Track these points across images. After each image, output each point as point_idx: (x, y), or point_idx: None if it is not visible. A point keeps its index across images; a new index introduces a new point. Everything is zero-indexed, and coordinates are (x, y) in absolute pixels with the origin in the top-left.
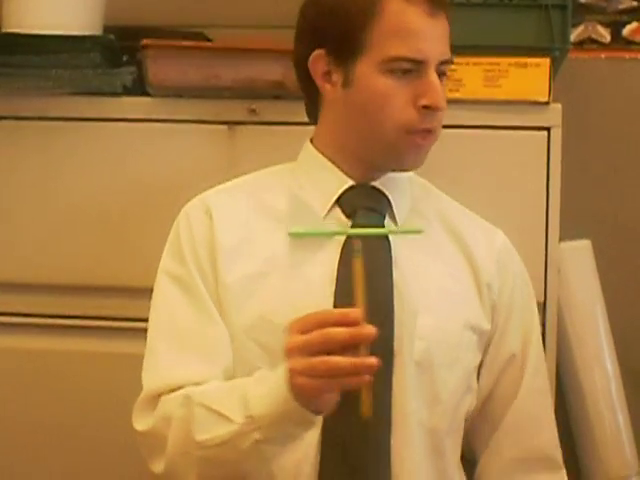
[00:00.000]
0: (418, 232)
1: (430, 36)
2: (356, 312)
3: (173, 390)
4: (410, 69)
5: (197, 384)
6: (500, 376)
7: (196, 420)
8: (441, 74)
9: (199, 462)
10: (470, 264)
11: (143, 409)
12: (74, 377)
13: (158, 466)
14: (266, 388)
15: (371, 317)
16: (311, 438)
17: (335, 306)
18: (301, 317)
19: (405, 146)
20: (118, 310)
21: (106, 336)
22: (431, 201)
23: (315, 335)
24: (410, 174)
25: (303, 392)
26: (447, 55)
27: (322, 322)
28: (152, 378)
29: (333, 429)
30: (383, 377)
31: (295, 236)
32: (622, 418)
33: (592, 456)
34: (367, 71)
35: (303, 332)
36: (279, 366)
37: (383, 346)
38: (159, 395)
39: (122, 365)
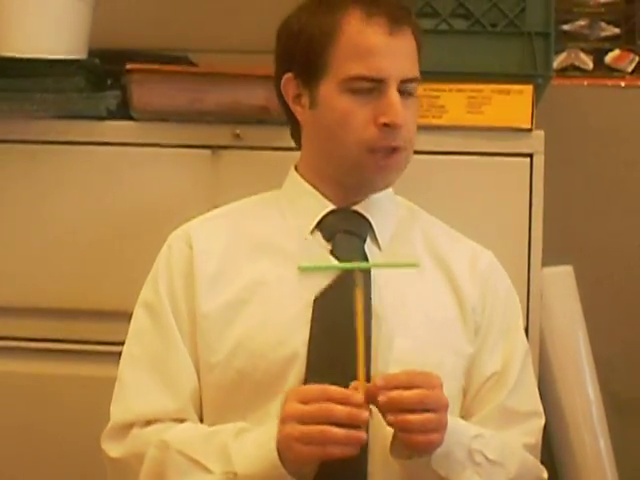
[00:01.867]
0: (415, 266)
1: (390, 55)
2: (358, 397)
3: (142, 423)
4: (371, 88)
5: (162, 418)
6: (478, 393)
7: (172, 465)
8: (406, 93)
9: None
10: (454, 289)
11: (112, 438)
12: (64, 401)
13: None
14: (253, 448)
15: (347, 340)
16: None
17: (310, 337)
18: (302, 387)
19: (369, 165)
20: (99, 334)
21: (90, 360)
22: (417, 225)
23: (316, 407)
24: (397, 197)
25: (295, 458)
26: (411, 73)
27: (324, 396)
28: (118, 408)
29: None
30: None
31: (304, 271)
32: (603, 443)
33: None
34: (329, 91)
35: (302, 402)
36: (263, 427)
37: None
38: (128, 426)
39: (110, 389)
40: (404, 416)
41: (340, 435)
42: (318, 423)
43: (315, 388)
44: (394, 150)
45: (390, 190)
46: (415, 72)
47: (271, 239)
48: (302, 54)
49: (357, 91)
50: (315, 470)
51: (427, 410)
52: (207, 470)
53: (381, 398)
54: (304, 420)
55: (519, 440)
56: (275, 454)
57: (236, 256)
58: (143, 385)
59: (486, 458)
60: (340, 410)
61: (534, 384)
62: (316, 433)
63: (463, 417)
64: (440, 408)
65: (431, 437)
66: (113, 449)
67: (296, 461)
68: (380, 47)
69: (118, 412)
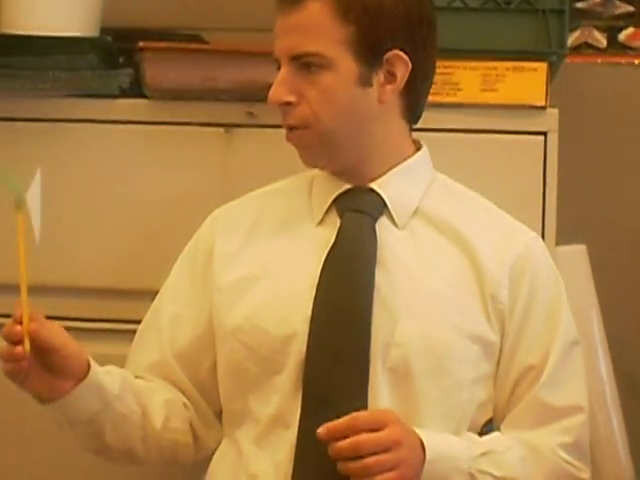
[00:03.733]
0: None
1: (281, 33)
2: (18, 312)
3: None
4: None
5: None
6: (515, 388)
7: None
8: (307, 67)
9: None
10: (476, 273)
11: None
12: None
13: None
14: None
15: (347, 320)
16: (289, 440)
17: (312, 310)
18: None
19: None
20: (120, 313)
21: (103, 338)
22: (447, 205)
23: None
24: (436, 174)
25: None
26: (298, 49)
27: None
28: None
29: (309, 432)
30: (358, 383)
31: None
32: (616, 422)
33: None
34: None
35: None
36: None
37: (358, 351)
38: None
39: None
40: (346, 464)
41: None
42: None
43: None
44: (292, 128)
45: (419, 165)
46: (306, 46)
47: (292, 219)
48: None
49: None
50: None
51: (376, 452)
52: None
53: (329, 450)
54: None
55: (554, 441)
56: None
57: (259, 235)
58: (134, 345)
59: (493, 477)
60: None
61: (578, 377)
62: None
63: (499, 411)
64: (391, 446)
65: (389, 476)
66: None
67: None
68: (277, 28)
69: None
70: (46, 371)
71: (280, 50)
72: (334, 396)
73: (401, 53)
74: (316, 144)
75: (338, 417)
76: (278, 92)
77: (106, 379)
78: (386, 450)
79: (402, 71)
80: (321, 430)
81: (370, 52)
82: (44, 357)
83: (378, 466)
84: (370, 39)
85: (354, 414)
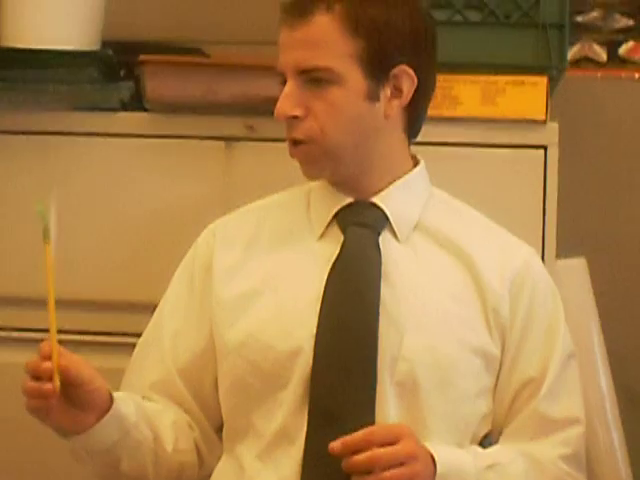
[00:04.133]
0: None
1: (287, 48)
2: (47, 346)
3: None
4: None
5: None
6: (514, 401)
7: None
8: (315, 81)
9: None
10: (477, 287)
11: None
12: None
13: None
14: None
15: (353, 334)
16: (297, 455)
17: (318, 325)
18: None
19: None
20: (121, 326)
21: (102, 351)
22: (446, 220)
23: None
24: (434, 189)
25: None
26: (306, 63)
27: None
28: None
29: (316, 447)
30: (365, 398)
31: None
32: (616, 435)
33: (587, 474)
34: None
35: None
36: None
37: (365, 366)
38: None
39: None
40: (362, 479)
41: (25, 387)
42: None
43: None
44: (298, 143)
45: (419, 179)
46: (315, 61)
47: (292, 232)
48: None
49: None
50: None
51: (391, 466)
52: None
53: (342, 465)
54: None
55: (554, 453)
56: None
57: (258, 249)
58: (135, 360)
59: None
60: (28, 363)
61: (575, 389)
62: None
63: (498, 424)
64: (407, 459)
65: None
66: None
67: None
68: (282, 42)
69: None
70: (70, 405)
71: (286, 64)
72: (341, 411)
73: (408, 68)
74: (321, 158)
75: (345, 432)
76: (285, 106)
77: (123, 408)
78: (401, 464)
79: (408, 86)
80: (336, 445)
81: (378, 67)
82: (69, 391)
83: (394, 479)
84: (379, 54)
85: (370, 428)
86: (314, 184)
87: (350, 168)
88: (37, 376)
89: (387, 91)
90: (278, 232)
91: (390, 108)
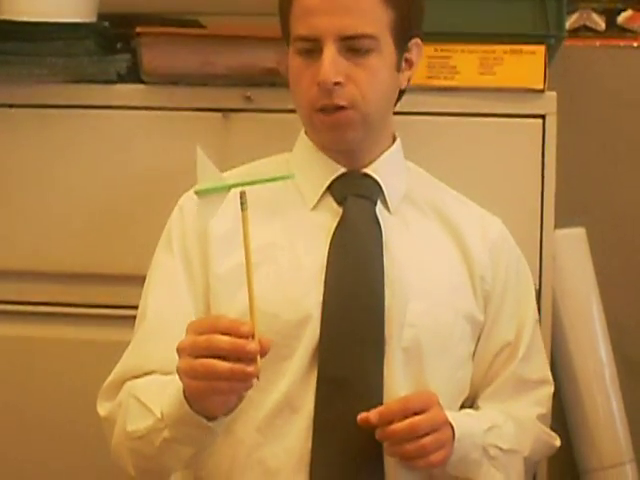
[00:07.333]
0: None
1: (324, 12)
2: (247, 327)
3: (134, 376)
4: (312, 49)
5: (155, 370)
6: (492, 364)
7: (129, 410)
8: (355, 50)
9: (129, 453)
10: (464, 255)
11: (104, 395)
12: (75, 365)
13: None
14: (175, 388)
15: (361, 302)
16: (302, 424)
17: (325, 294)
18: (199, 319)
19: (319, 124)
20: (111, 298)
21: (102, 324)
22: (427, 190)
23: (201, 339)
24: (408, 163)
25: (190, 394)
26: (351, 30)
27: (212, 327)
28: (118, 366)
29: (326, 414)
30: (374, 364)
31: (202, 194)
32: (616, 405)
33: (586, 443)
34: (290, 54)
35: (197, 333)
36: None
37: (374, 332)
38: (121, 382)
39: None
40: (401, 446)
41: (223, 369)
42: (205, 356)
43: (208, 319)
44: (339, 108)
45: (400, 152)
46: (360, 28)
47: (280, 203)
48: (280, 21)
49: (303, 52)
50: (232, 404)
51: (427, 434)
52: (152, 413)
53: (378, 435)
54: (192, 352)
55: (532, 412)
56: (181, 390)
57: None
58: (144, 344)
59: (501, 450)
60: (223, 341)
61: (543, 352)
62: (199, 366)
63: (475, 387)
64: (440, 426)
65: (440, 455)
66: (103, 406)
67: (192, 397)
68: (315, 5)
69: (117, 369)
70: None
71: (325, 30)
72: (350, 378)
73: (419, 40)
74: (359, 124)
75: (355, 399)
76: (330, 72)
77: None
78: (436, 430)
79: (417, 58)
80: (372, 415)
81: (403, 38)
82: None
83: (433, 445)
84: (405, 25)
85: (405, 397)
86: (289, 154)
87: (370, 136)
88: (239, 357)
89: (403, 63)
90: (265, 204)
91: (404, 79)
